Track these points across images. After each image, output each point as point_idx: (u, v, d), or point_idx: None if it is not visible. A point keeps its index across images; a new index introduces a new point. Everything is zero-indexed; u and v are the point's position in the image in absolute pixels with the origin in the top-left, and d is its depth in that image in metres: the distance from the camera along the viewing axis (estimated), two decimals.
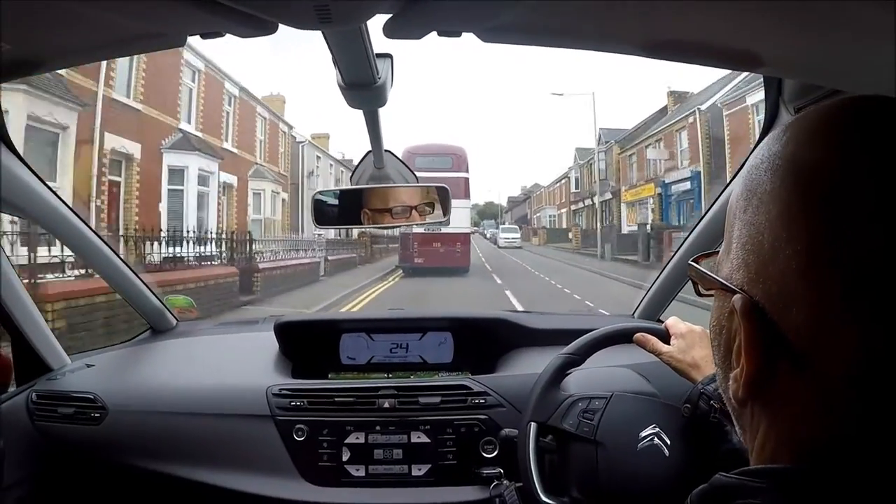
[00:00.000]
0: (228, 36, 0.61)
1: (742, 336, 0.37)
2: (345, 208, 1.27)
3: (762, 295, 0.36)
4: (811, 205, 0.34)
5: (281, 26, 0.58)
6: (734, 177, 1.20)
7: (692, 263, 0.46)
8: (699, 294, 0.46)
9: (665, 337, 1.08)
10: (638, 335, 1.09)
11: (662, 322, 1.17)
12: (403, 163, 1.25)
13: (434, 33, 0.59)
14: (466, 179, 15.06)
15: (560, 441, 1.06)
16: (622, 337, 1.12)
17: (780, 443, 0.37)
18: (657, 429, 0.99)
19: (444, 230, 14.14)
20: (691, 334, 1.05)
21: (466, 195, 15.83)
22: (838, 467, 0.34)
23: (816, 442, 0.35)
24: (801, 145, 0.37)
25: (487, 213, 76.26)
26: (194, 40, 0.63)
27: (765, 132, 1.04)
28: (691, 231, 1.34)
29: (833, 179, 0.34)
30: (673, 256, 1.44)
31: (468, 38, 0.60)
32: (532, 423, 1.06)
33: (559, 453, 1.06)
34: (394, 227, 1.33)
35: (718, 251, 0.44)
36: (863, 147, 0.35)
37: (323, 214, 1.26)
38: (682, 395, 0.99)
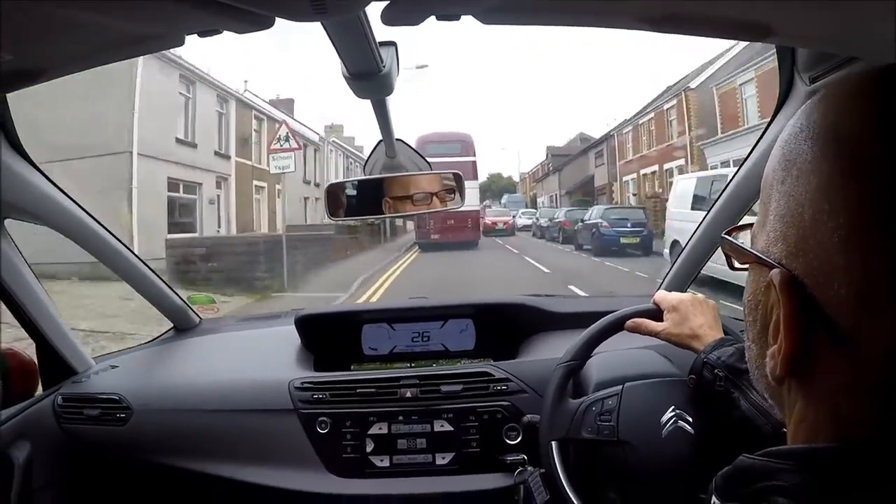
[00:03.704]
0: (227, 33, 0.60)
1: (781, 311, 0.35)
2: (364, 198, 1.25)
3: (802, 269, 0.35)
4: (854, 176, 0.33)
5: (278, 20, 0.57)
6: (753, 149, 1.16)
7: (726, 237, 0.45)
8: (732, 268, 0.45)
9: (658, 314, 1.04)
10: (629, 323, 1.05)
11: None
12: (416, 150, 1.23)
13: (433, 18, 0.58)
14: (474, 163, 16.91)
15: (585, 450, 1.02)
16: (615, 328, 1.07)
17: (819, 420, 0.36)
18: (677, 410, 0.96)
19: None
20: (683, 304, 1.01)
21: (475, 176, 18.10)
22: (868, 447, 0.33)
23: (855, 419, 0.34)
24: (842, 114, 0.35)
25: (493, 190, 54.82)
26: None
27: (780, 104, 1.00)
28: (715, 202, 1.29)
29: (877, 150, 0.33)
30: (697, 229, 1.38)
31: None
32: (553, 443, 1.02)
33: (587, 462, 1.02)
34: (414, 215, 1.33)
35: (751, 224, 0.42)
36: None
37: (339, 205, 1.24)
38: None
